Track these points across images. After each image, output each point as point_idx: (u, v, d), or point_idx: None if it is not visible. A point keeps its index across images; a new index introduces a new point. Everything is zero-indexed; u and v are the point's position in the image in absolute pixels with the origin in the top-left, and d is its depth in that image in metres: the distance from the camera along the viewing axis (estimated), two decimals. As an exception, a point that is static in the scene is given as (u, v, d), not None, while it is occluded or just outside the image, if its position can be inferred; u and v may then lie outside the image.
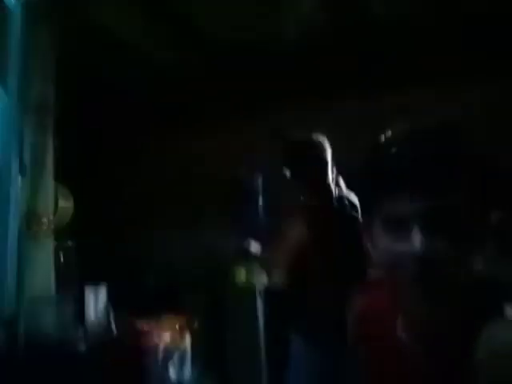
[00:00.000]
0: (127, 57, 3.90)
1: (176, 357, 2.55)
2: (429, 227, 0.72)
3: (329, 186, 2.25)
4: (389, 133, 0.79)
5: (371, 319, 0.94)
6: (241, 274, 3.74)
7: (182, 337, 2.61)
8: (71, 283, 3.12)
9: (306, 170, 2.22)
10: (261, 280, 3.76)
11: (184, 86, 4.29)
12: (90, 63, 3.91)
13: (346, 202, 2.23)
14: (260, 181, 4.12)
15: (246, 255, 3.71)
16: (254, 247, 3.73)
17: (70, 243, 3.77)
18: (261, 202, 4.01)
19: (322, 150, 2.23)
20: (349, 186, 2.30)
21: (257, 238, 3.76)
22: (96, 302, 2.68)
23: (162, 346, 2.49)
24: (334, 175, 2.30)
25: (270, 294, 3.65)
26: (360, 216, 2.16)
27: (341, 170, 2.31)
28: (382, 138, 0.80)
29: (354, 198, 2.21)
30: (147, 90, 4.39)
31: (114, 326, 2.54)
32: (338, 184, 2.31)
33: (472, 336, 0.68)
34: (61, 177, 3.16)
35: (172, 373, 2.52)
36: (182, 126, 4.47)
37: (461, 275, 0.74)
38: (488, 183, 0.78)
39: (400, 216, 0.74)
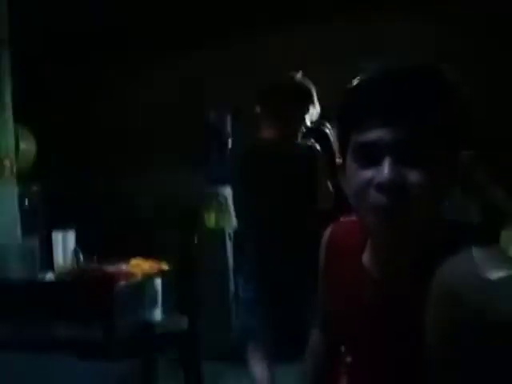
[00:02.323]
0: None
1: (146, 298, 2.58)
2: (399, 158, 0.74)
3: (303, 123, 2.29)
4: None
5: (338, 245, 0.96)
6: (210, 218, 3.74)
7: (152, 279, 2.62)
8: (38, 228, 3.08)
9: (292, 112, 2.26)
10: (230, 223, 3.77)
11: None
12: None
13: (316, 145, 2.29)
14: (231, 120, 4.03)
15: (216, 198, 3.70)
16: (224, 190, 3.71)
17: (35, 186, 3.70)
18: (231, 144, 3.94)
19: (306, 92, 2.27)
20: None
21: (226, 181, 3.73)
22: (64, 246, 2.65)
23: (132, 288, 2.50)
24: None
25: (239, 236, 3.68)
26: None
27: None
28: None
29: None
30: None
31: (82, 270, 2.53)
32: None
33: (431, 274, 0.68)
34: (21, 118, 3.05)
35: (142, 314, 2.55)
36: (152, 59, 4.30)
37: (427, 210, 0.76)
38: (459, 124, 0.78)
39: (372, 147, 0.75)
